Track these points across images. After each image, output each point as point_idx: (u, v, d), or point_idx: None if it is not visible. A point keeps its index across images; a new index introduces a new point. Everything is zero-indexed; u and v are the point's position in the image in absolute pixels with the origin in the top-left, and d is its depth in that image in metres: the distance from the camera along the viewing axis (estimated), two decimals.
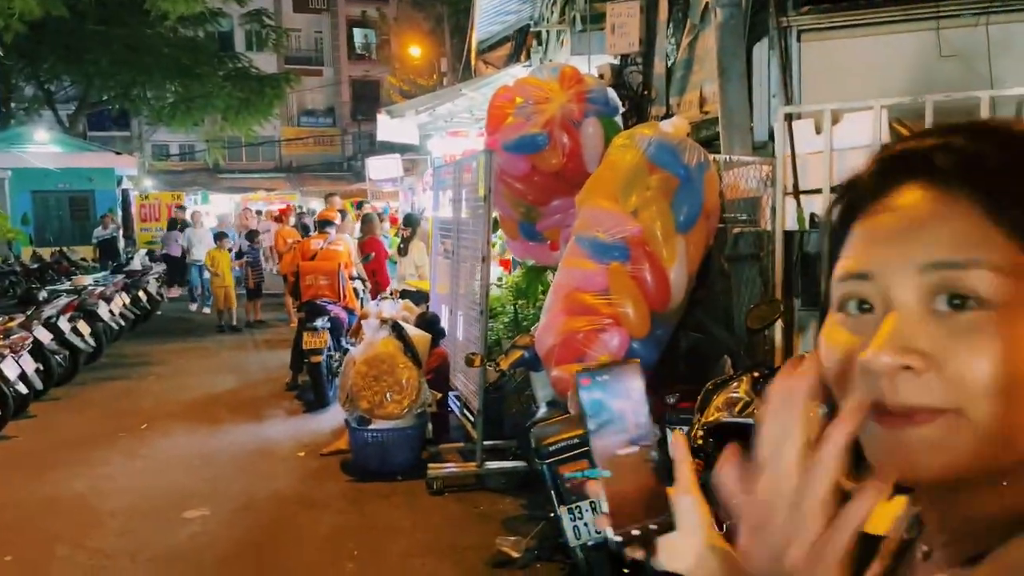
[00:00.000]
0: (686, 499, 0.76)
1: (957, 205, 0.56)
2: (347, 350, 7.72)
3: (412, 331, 5.80)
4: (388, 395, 5.50)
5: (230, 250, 12.51)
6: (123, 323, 11.02)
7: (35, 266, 13.50)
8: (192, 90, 23.33)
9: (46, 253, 15.38)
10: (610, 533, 0.78)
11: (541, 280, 6.01)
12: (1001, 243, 0.54)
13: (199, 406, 7.68)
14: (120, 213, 19.57)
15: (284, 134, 39.44)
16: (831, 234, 0.65)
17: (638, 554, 0.78)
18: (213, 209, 26.55)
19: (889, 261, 0.58)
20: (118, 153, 21.01)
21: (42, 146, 19.06)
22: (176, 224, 15.44)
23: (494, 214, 5.69)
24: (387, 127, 12.43)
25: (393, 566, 4.25)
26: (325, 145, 41.95)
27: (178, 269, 15.01)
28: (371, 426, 5.64)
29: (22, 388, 6.90)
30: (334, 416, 7.17)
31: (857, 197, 0.63)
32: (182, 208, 17.78)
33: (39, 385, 7.49)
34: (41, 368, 7.67)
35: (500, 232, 7.21)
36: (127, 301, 11.65)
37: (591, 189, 4.31)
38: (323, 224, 8.23)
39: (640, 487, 0.79)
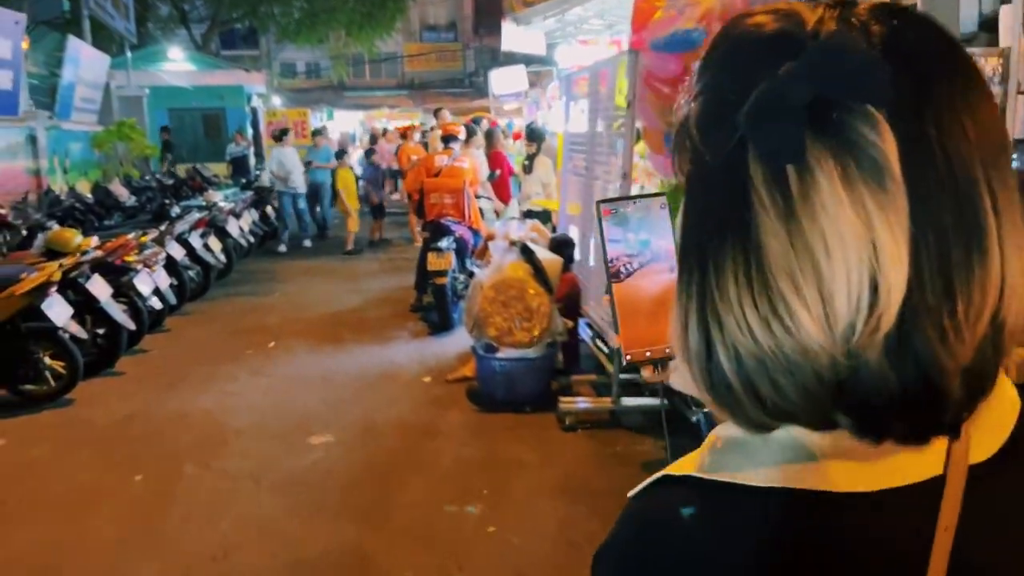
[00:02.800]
0: None
1: None
2: (472, 272, 7.43)
3: (543, 254, 5.37)
4: (517, 322, 5.14)
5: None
6: (252, 240, 11.16)
7: (170, 182, 13.87)
8: (316, 4, 23.38)
9: (181, 170, 15.81)
10: (624, 354, 0.87)
11: None
12: None
13: (323, 325, 7.61)
14: (250, 130, 19.92)
15: (406, 50, 39.26)
16: None
17: (648, 373, 0.89)
18: (338, 126, 26.84)
19: None
20: (247, 71, 21.28)
21: (177, 64, 19.53)
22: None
23: (637, 125, 5.10)
24: (513, 36, 11.81)
25: (522, 507, 3.94)
26: (447, 61, 41.56)
27: None
28: (498, 354, 5.31)
29: (156, 303, 6.97)
30: (459, 340, 6.91)
31: None
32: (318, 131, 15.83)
33: (173, 300, 7.58)
34: (175, 283, 7.77)
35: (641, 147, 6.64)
36: (256, 218, 11.79)
37: None
38: (447, 139, 7.83)
39: (655, 315, 0.85)
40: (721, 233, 0.52)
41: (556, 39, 11.66)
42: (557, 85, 16.12)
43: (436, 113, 11.71)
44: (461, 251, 7.39)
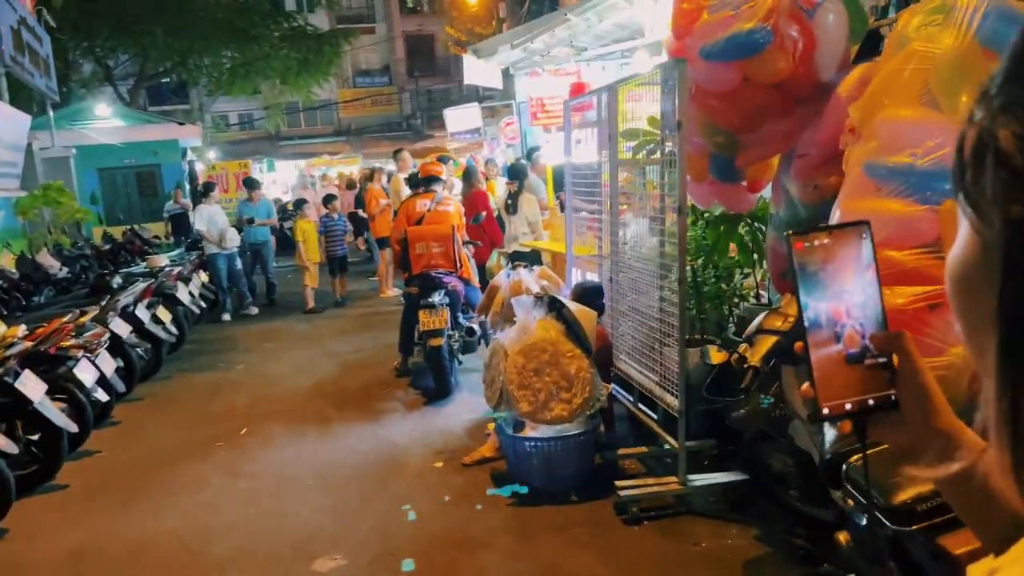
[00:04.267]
0: (916, 377, 0.76)
1: None
2: (470, 328, 6.55)
3: (574, 307, 4.51)
4: (554, 392, 4.26)
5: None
6: (203, 305, 10.07)
7: (107, 247, 12.63)
8: (249, 53, 22.47)
9: (117, 232, 14.55)
10: (818, 407, 0.76)
11: (733, 234, 4.63)
12: None
13: (301, 402, 6.60)
14: (188, 186, 18.74)
15: (341, 96, 38.91)
16: None
17: (846, 429, 0.78)
18: (279, 176, 25.79)
19: None
20: (181, 123, 20.12)
21: (105, 121, 18.29)
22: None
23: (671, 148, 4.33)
24: (474, 69, 11.09)
25: None
26: (383, 105, 41.57)
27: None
28: (531, 433, 4.42)
29: (101, 395, 5.89)
30: (461, 408, 6.03)
31: None
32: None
33: (121, 387, 6.49)
34: (122, 366, 6.70)
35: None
36: (205, 279, 10.70)
37: (882, 94, 2.91)
38: (428, 181, 6.95)
39: (856, 367, 0.76)
40: None
41: (521, 68, 10.97)
42: (511, 121, 15.49)
43: (395, 155, 10.85)
44: (453, 305, 6.50)
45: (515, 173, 7.92)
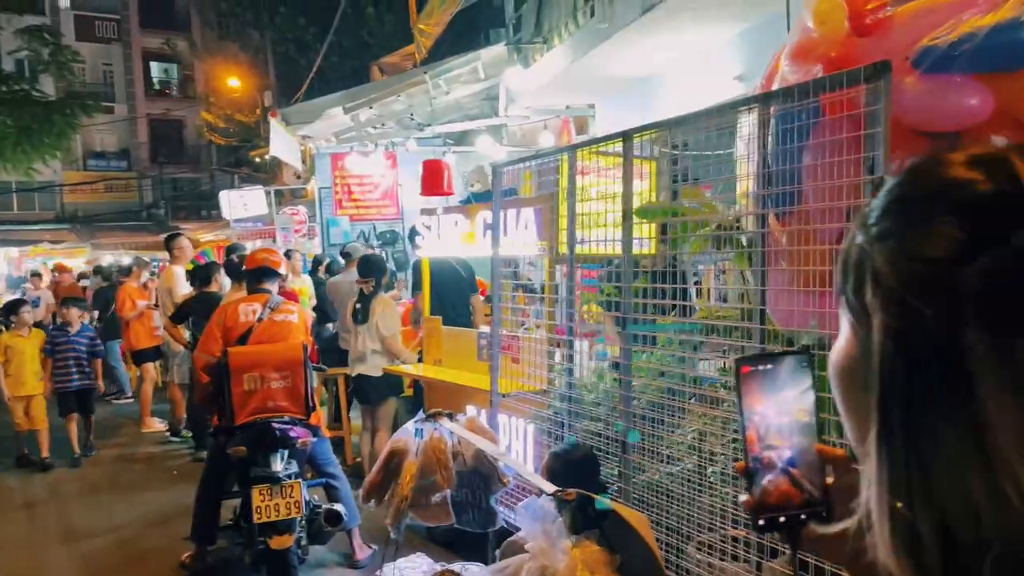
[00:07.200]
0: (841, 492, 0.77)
1: None
2: (332, 513, 4.19)
3: (626, 513, 2.44)
4: None
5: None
6: None
7: None
8: None
9: None
10: (757, 519, 0.78)
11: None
12: None
13: None
14: None
15: (67, 178, 34.27)
16: None
17: (781, 540, 0.80)
18: None
19: None
20: None
21: None
22: None
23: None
24: (280, 141, 8.83)
25: None
26: (119, 192, 37.48)
27: None
28: None
29: None
30: None
31: None
32: None
33: None
34: None
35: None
36: None
37: None
38: (260, 275, 4.52)
39: (791, 482, 0.78)
40: (934, 401, 0.50)
41: (348, 141, 8.89)
42: (295, 211, 13.26)
43: (169, 242, 8.08)
44: (301, 473, 4.10)
45: (369, 268, 5.70)
